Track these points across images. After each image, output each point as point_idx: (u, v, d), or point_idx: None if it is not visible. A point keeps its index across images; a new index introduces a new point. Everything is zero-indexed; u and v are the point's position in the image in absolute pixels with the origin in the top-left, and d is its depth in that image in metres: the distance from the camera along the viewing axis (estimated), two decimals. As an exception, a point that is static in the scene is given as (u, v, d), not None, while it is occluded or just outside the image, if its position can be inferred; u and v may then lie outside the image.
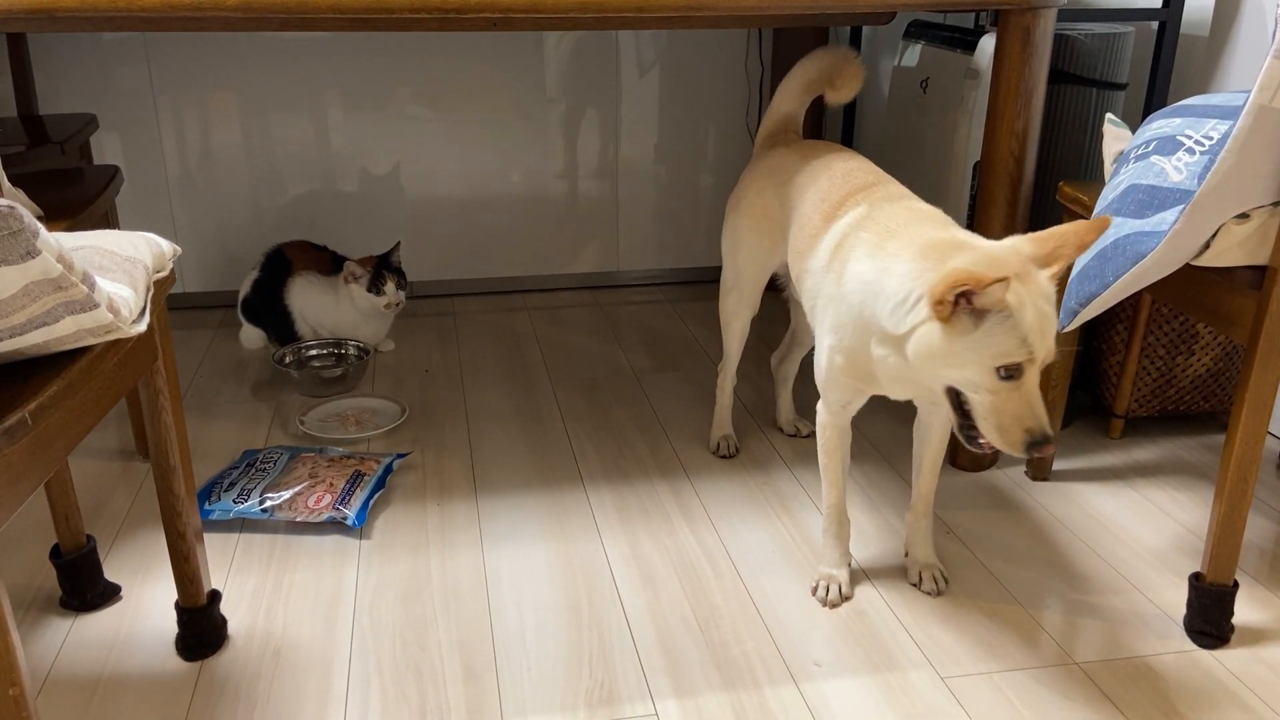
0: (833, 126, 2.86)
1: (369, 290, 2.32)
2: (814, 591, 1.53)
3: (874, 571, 1.60)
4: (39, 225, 0.85)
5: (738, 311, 1.85)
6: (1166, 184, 1.35)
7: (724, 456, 1.95)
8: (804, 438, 2.03)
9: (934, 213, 1.37)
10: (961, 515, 1.75)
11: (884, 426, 2.08)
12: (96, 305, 0.94)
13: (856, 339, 1.33)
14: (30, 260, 0.84)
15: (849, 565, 1.56)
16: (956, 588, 1.56)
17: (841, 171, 1.54)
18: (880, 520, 1.74)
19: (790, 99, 1.81)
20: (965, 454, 1.90)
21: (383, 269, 2.34)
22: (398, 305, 2.37)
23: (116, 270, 1.07)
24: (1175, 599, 1.53)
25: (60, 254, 0.88)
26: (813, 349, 1.50)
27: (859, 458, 1.96)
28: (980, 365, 1.16)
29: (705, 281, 2.97)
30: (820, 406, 1.48)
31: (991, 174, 1.73)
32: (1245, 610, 1.50)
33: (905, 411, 1.91)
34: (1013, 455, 1.17)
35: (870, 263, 1.29)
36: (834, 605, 1.51)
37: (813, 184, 1.56)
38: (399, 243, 2.42)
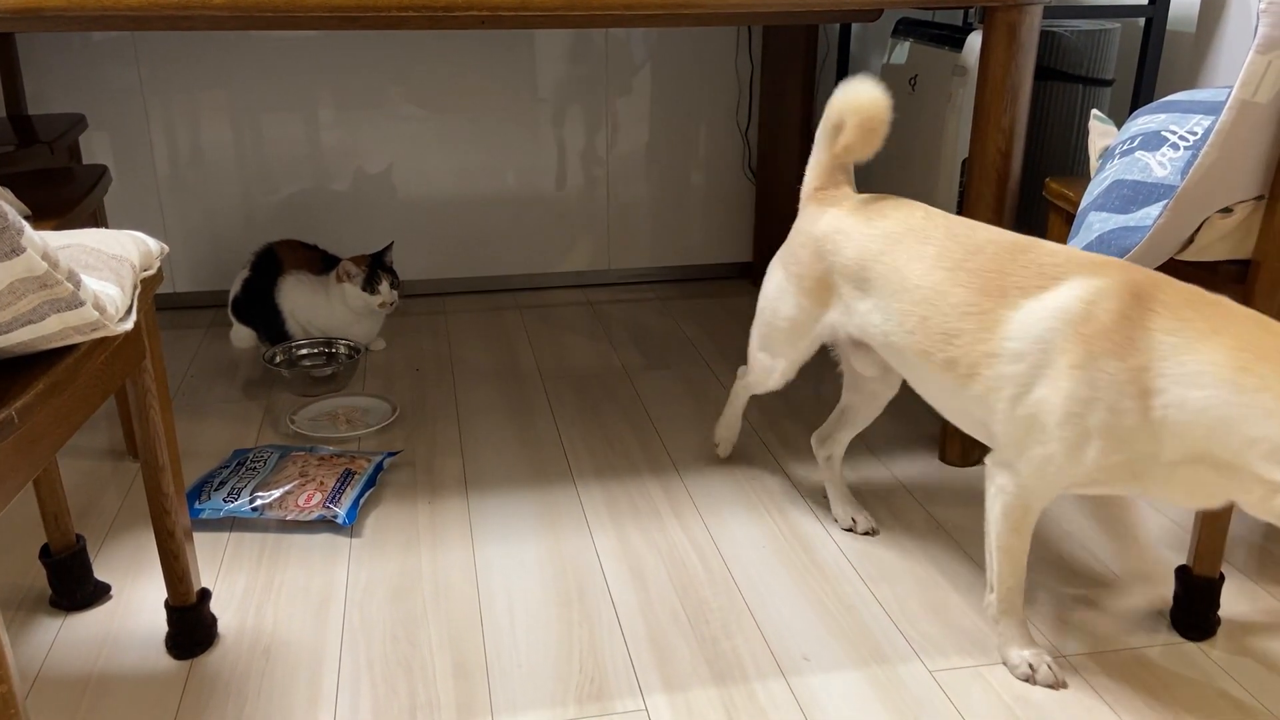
0: (823, 124, 2.87)
1: (364, 289, 2.32)
2: (1029, 679, 1.35)
3: (867, 567, 1.60)
4: (24, 223, 0.85)
5: (765, 379, 1.68)
6: (1151, 179, 1.36)
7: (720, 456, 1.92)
8: (862, 535, 1.69)
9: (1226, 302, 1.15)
10: (951, 510, 1.76)
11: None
12: (82, 303, 0.94)
13: (1173, 453, 1.12)
14: (15, 258, 0.85)
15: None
16: (945, 581, 1.56)
17: (964, 236, 1.32)
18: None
19: (826, 146, 1.59)
20: (953, 449, 1.90)
21: (377, 268, 2.34)
22: (392, 305, 2.37)
23: (103, 268, 1.07)
24: (1162, 592, 1.54)
25: (45, 251, 0.88)
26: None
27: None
28: None
29: (697, 279, 2.97)
30: (1015, 482, 1.28)
31: (979, 170, 1.74)
32: (1231, 603, 1.51)
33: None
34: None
35: (1231, 393, 1.06)
36: (1056, 685, 1.34)
37: (928, 255, 1.34)
38: (392, 243, 2.42)
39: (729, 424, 1.90)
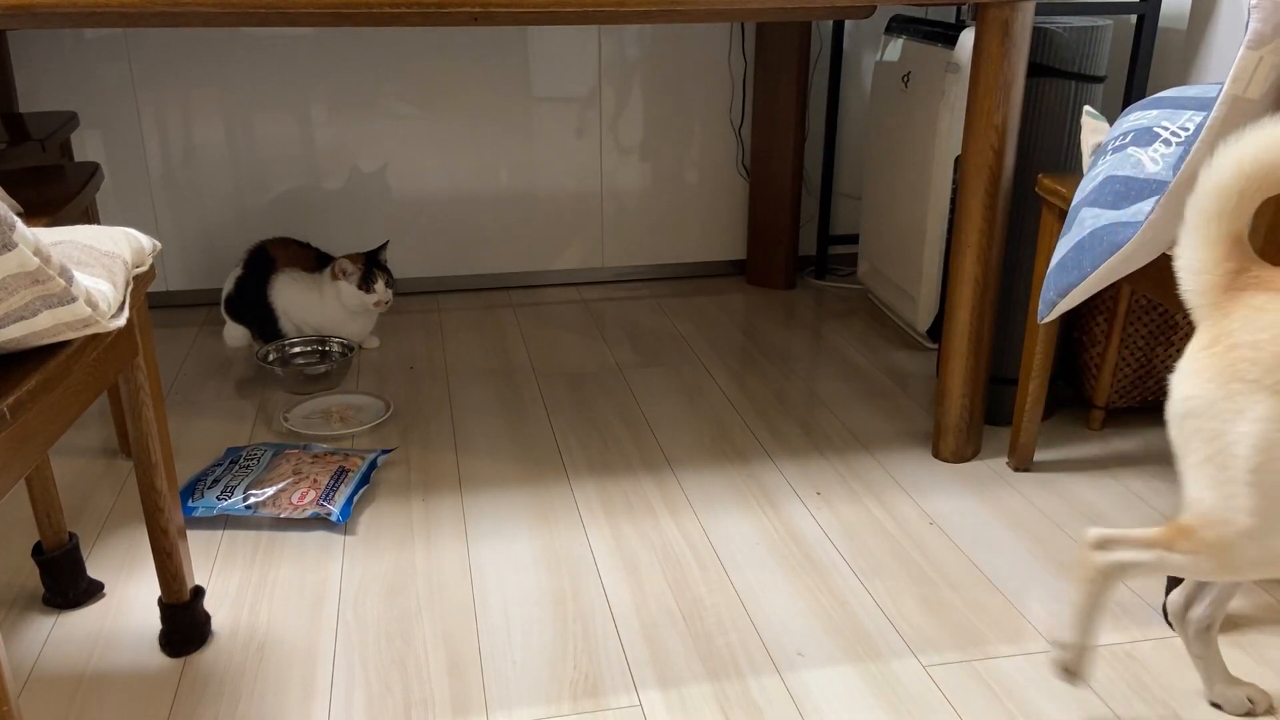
0: (816, 123, 2.87)
1: (359, 287, 2.32)
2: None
3: (861, 563, 1.61)
4: (15, 218, 0.85)
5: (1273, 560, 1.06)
6: (1143, 175, 1.37)
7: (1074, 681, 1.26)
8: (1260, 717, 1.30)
9: None
10: (943, 505, 1.76)
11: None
12: (74, 299, 0.94)
13: None
14: (7, 253, 0.84)
15: None
16: (938, 577, 1.57)
17: None
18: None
19: (1235, 213, 1.05)
20: (945, 445, 1.91)
21: (372, 266, 2.34)
22: (387, 303, 2.36)
23: (95, 265, 1.07)
24: (1154, 587, 1.54)
25: (38, 247, 0.88)
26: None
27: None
28: None
29: (690, 277, 2.97)
30: None
31: (972, 167, 1.74)
32: (1224, 597, 1.52)
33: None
34: None
35: None
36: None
37: None
38: (387, 241, 2.42)
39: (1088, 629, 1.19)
